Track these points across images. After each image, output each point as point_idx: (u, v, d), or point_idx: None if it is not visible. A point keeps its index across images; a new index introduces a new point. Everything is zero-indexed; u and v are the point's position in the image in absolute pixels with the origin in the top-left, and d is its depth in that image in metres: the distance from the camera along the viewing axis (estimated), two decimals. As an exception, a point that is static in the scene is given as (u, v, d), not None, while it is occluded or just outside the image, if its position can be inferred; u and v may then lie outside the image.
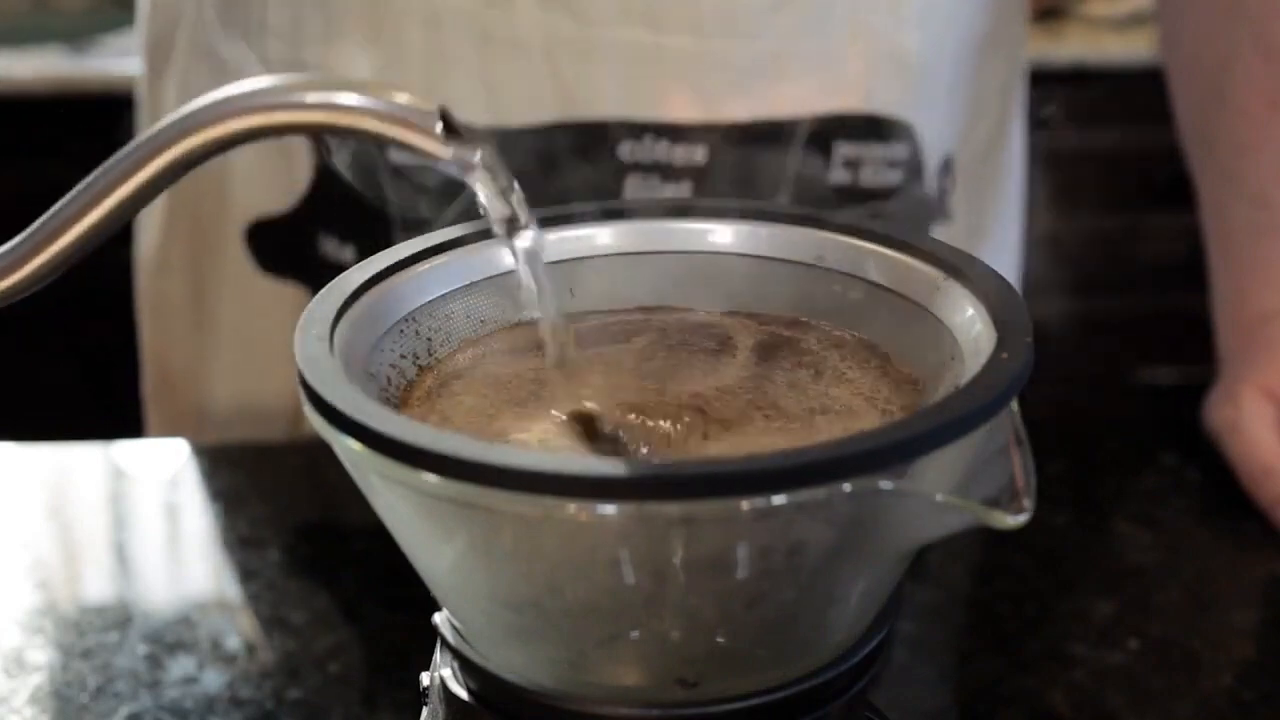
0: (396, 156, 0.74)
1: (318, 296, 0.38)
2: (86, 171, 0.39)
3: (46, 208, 0.40)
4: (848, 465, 0.30)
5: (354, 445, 0.32)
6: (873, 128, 0.77)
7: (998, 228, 0.89)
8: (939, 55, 0.79)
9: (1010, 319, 0.35)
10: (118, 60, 1.75)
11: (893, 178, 0.78)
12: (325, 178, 0.77)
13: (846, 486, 0.30)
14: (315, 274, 0.78)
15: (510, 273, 0.42)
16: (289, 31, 0.76)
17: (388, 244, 0.74)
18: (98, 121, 1.71)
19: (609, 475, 0.30)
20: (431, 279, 0.41)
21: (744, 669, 0.35)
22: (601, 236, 0.44)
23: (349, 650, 0.61)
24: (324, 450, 0.34)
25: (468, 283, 0.42)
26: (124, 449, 0.78)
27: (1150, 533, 0.69)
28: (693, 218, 0.44)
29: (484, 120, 0.74)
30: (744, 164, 0.75)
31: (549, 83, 0.73)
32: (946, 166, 0.83)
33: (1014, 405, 0.33)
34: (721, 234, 0.43)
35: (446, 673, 0.38)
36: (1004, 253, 0.91)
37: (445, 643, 0.37)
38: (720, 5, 0.72)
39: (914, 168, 0.79)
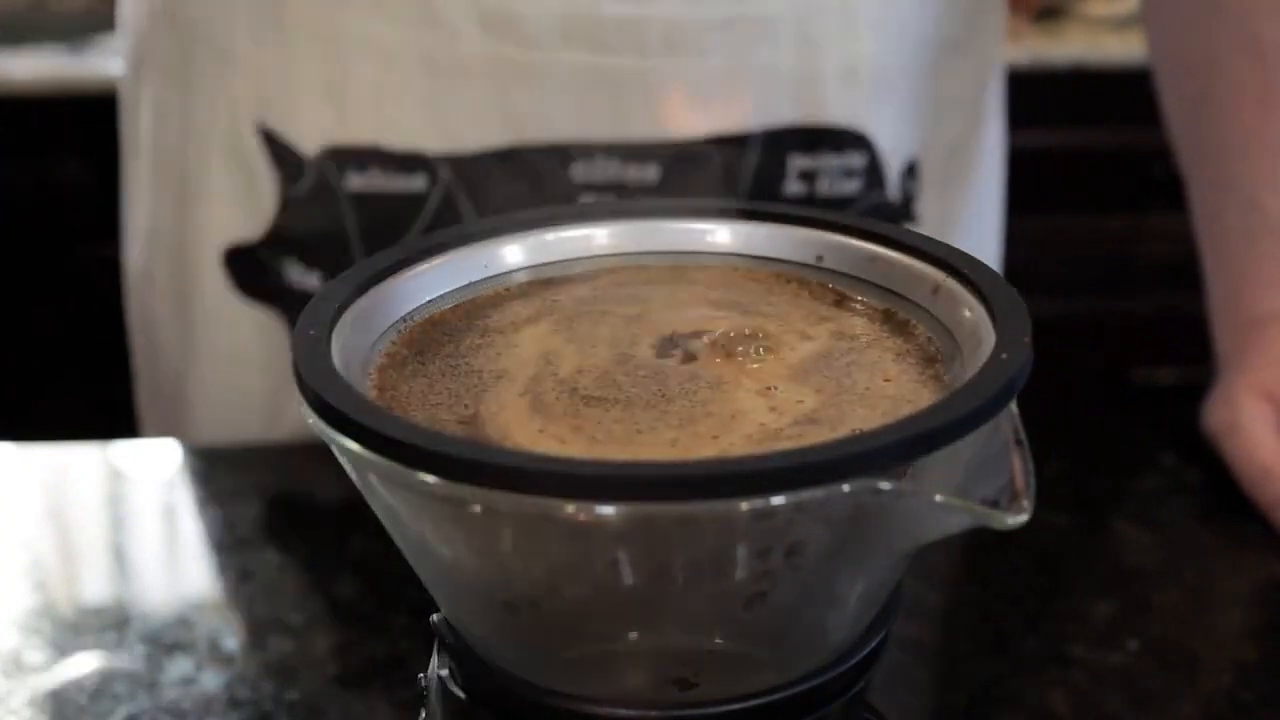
0: (354, 183, 0.74)
1: (317, 296, 0.38)
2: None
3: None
4: (847, 466, 0.30)
5: (352, 446, 0.32)
6: (827, 138, 0.77)
7: (971, 229, 0.88)
8: (896, 62, 0.79)
9: (1010, 319, 0.35)
10: (116, 60, 1.75)
11: (850, 187, 0.78)
12: (288, 207, 0.78)
13: (846, 487, 0.30)
14: (286, 301, 0.80)
15: (510, 272, 0.42)
16: (253, 66, 0.77)
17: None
18: (96, 121, 1.72)
19: (607, 475, 0.30)
20: (430, 279, 0.41)
21: (743, 670, 0.35)
22: (601, 236, 0.43)
23: (347, 651, 0.60)
24: (323, 450, 0.33)
25: (467, 283, 0.42)
26: (122, 449, 0.78)
27: (1150, 533, 0.69)
28: (693, 218, 0.44)
29: (438, 147, 0.75)
30: (697, 180, 0.75)
31: (498, 108, 0.74)
32: (911, 170, 0.82)
33: (1013, 405, 0.33)
34: (721, 234, 0.43)
35: (445, 673, 0.38)
36: (979, 254, 0.91)
37: (443, 643, 0.37)
38: (665, 25, 0.72)
39: (873, 175, 0.79)
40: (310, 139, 0.76)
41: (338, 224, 0.76)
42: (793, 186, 0.77)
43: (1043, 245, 1.87)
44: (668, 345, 0.38)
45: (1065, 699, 0.57)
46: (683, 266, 0.43)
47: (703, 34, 0.73)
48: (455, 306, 0.41)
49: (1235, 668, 0.59)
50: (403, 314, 0.40)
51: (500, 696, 0.36)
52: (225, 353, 0.83)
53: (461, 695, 0.37)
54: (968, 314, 0.37)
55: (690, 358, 0.38)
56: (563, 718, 0.35)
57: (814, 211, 0.43)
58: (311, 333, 0.36)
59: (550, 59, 0.73)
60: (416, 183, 0.75)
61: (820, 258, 0.42)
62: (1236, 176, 0.76)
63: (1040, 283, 1.71)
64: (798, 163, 0.77)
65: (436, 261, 0.41)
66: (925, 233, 0.84)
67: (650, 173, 0.75)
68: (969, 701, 0.58)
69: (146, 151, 0.86)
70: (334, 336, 0.36)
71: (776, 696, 0.35)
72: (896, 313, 0.40)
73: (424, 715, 0.39)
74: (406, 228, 0.75)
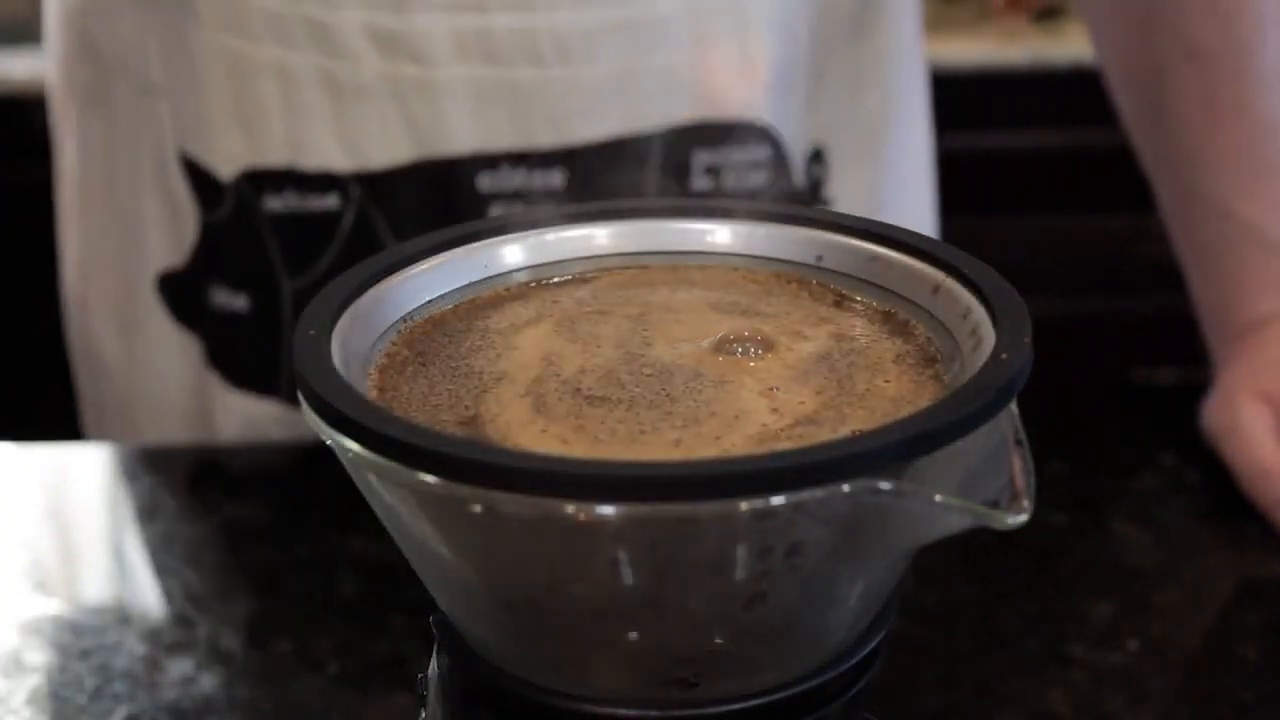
0: (272, 205, 0.75)
1: (317, 297, 0.38)
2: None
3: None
4: (847, 466, 0.30)
5: (352, 446, 0.32)
6: (729, 133, 0.78)
7: (892, 207, 0.88)
8: (795, 51, 0.79)
9: (1010, 319, 0.35)
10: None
11: (757, 179, 0.79)
12: (209, 231, 0.79)
13: (845, 487, 0.30)
14: (209, 326, 0.81)
15: (509, 272, 0.42)
16: (169, 94, 0.78)
17: (276, 289, 0.77)
18: (97, 121, 1.71)
19: (607, 475, 0.30)
20: (430, 279, 0.41)
21: (743, 670, 0.35)
22: (601, 236, 0.43)
23: (347, 650, 0.60)
24: (323, 450, 0.33)
25: (466, 283, 0.42)
26: (122, 450, 0.78)
27: (1149, 533, 0.69)
28: (692, 218, 0.44)
29: (345, 166, 0.76)
30: (602, 183, 0.75)
31: (401, 125, 0.75)
32: (817, 156, 0.83)
33: (1013, 405, 0.33)
34: (721, 234, 0.43)
35: (444, 673, 0.38)
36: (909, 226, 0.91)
37: (443, 643, 0.37)
38: (555, 33, 0.73)
39: (779, 165, 0.80)
40: (227, 164, 0.77)
41: (259, 246, 0.77)
42: (699, 182, 0.78)
43: (1043, 245, 1.87)
44: (669, 346, 0.38)
45: (1065, 699, 0.57)
46: (683, 266, 0.43)
47: (594, 40, 0.74)
48: (455, 307, 0.41)
49: (1235, 668, 0.59)
50: (403, 314, 0.40)
51: (500, 696, 0.36)
52: (164, 379, 0.84)
53: (461, 695, 0.37)
54: (968, 314, 0.37)
55: (692, 358, 0.38)
56: (563, 718, 0.35)
57: (814, 211, 0.43)
58: (311, 333, 0.36)
59: (446, 74, 0.73)
60: (330, 201, 0.76)
61: (820, 258, 0.42)
62: (1203, 186, 0.75)
63: (1040, 283, 1.70)
64: (702, 158, 0.77)
65: (436, 261, 0.41)
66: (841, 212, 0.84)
67: (555, 179, 0.76)
68: (969, 701, 0.58)
69: (72, 180, 0.87)
70: (334, 336, 0.36)
71: (776, 696, 0.35)
72: (896, 313, 0.40)
73: (424, 715, 0.39)
74: (325, 246, 0.77)
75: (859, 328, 0.40)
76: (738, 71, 0.77)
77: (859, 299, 0.41)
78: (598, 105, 0.75)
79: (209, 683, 0.59)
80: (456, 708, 0.37)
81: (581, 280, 0.43)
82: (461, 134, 0.75)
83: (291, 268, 0.77)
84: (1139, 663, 0.59)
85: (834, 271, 0.42)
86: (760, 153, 0.79)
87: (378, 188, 0.75)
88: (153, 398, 0.84)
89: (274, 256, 0.77)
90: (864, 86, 0.85)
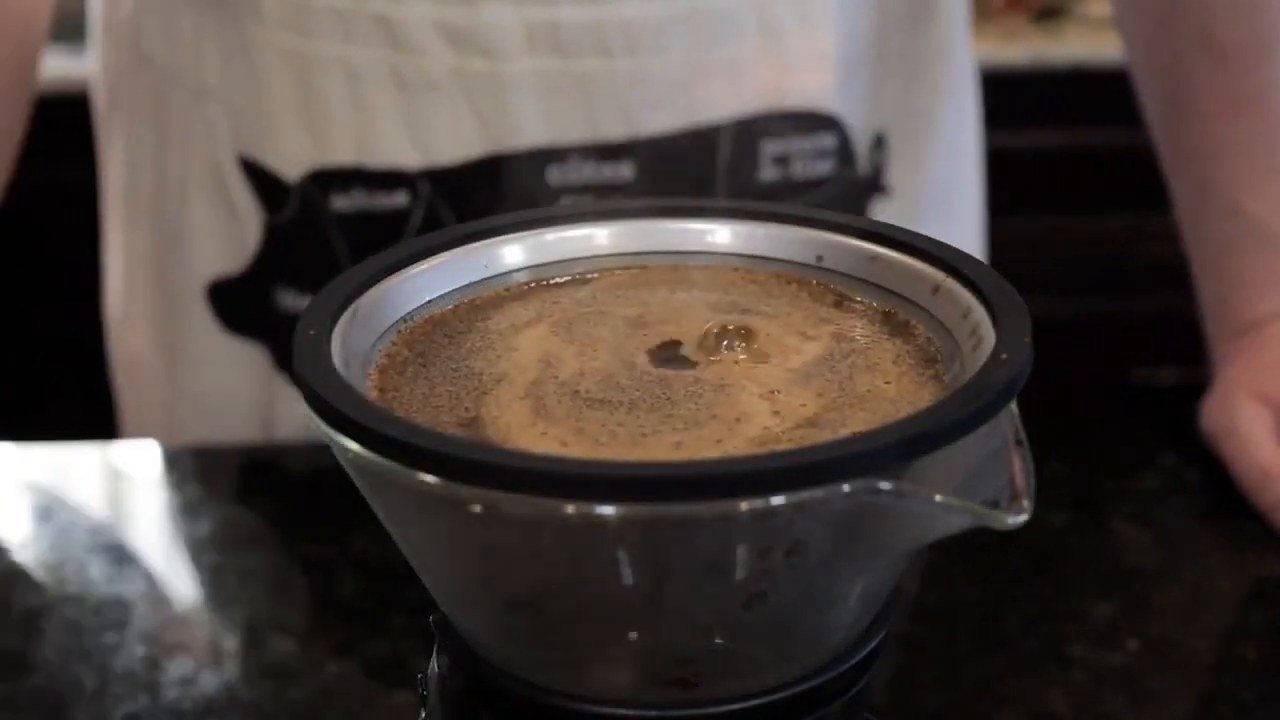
0: (339, 204, 0.75)
1: (316, 297, 0.38)
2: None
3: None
4: (847, 466, 0.30)
5: (352, 446, 0.32)
6: (797, 123, 0.78)
7: (945, 195, 0.89)
8: (858, 41, 0.80)
9: (1010, 319, 0.35)
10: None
11: (824, 167, 0.79)
12: (274, 233, 0.78)
13: (845, 487, 0.30)
14: (275, 330, 0.80)
15: (509, 272, 0.42)
16: (228, 99, 0.78)
17: None
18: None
19: (607, 476, 0.30)
20: (430, 279, 0.41)
21: (743, 670, 0.35)
22: (601, 236, 0.43)
23: (347, 651, 0.60)
24: (323, 450, 0.33)
25: (466, 283, 0.42)
26: (122, 449, 0.78)
27: (1149, 533, 0.69)
28: (692, 218, 0.44)
29: (414, 163, 0.75)
30: (673, 173, 0.76)
31: (471, 119, 0.75)
32: (879, 142, 0.83)
33: (1013, 405, 0.33)
34: (721, 234, 0.43)
35: (444, 673, 0.38)
36: (958, 221, 0.91)
37: (443, 643, 0.37)
38: (624, 25, 0.73)
39: (844, 153, 0.80)
40: (292, 165, 0.77)
41: (326, 246, 0.77)
42: (768, 173, 0.78)
43: (1043, 245, 1.87)
44: (669, 347, 0.38)
45: (1065, 699, 0.57)
46: (682, 267, 0.43)
47: (663, 31, 0.74)
48: (455, 307, 0.41)
49: (1235, 668, 0.59)
50: (403, 314, 0.40)
51: (500, 696, 0.36)
52: (211, 392, 0.83)
53: (461, 695, 0.37)
54: (968, 314, 0.37)
55: (692, 360, 0.38)
56: (563, 718, 0.35)
57: (814, 211, 0.43)
58: (311, 333, 0.36)
59: (516, 67, 0.73)
60: (399, 199, 0.76)
61: (820, 258, 0.42)
62: (1215, 181, 0.76)
63: (1040, 283, 1.71)
64: (770, 149, 0.78)
65: (436, 261, 0.41)
66: (898, 202, 0.85)
67: (625, 170, 0.76)
68: (969, 701, 0.58)
69: (119, 197, 0.87)
70: (334, 336, 0.36)
71: (776, 696, 0.35)
72: (896, 313, 0.40)
73: (424, 715, 0.39)
74: (394, 240, 0.76)
75: (859, 328, 0.40)
76: (804, 61, 0.77)
77: (859, 299, 0.41)
78: (666, 96, 0.75)
79: (209, 683, 0.59)
80: (456, 708, 0.37)
81: (582, 281, 0.43)
82: (530, 127, 0.75)
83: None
84: (1139, 663, 0.59)
85: (834, 271, 0.42)
86: (827, 141, 0.79)
87: (447, 184, 0.75)
88: (201, 407, 0.84)
89: (341, 256, 0.77)
90: (917, 79, 0.85)
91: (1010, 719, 0.57)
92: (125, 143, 0.85)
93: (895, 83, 0.83)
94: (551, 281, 0.43)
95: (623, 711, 0.35)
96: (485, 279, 0.42)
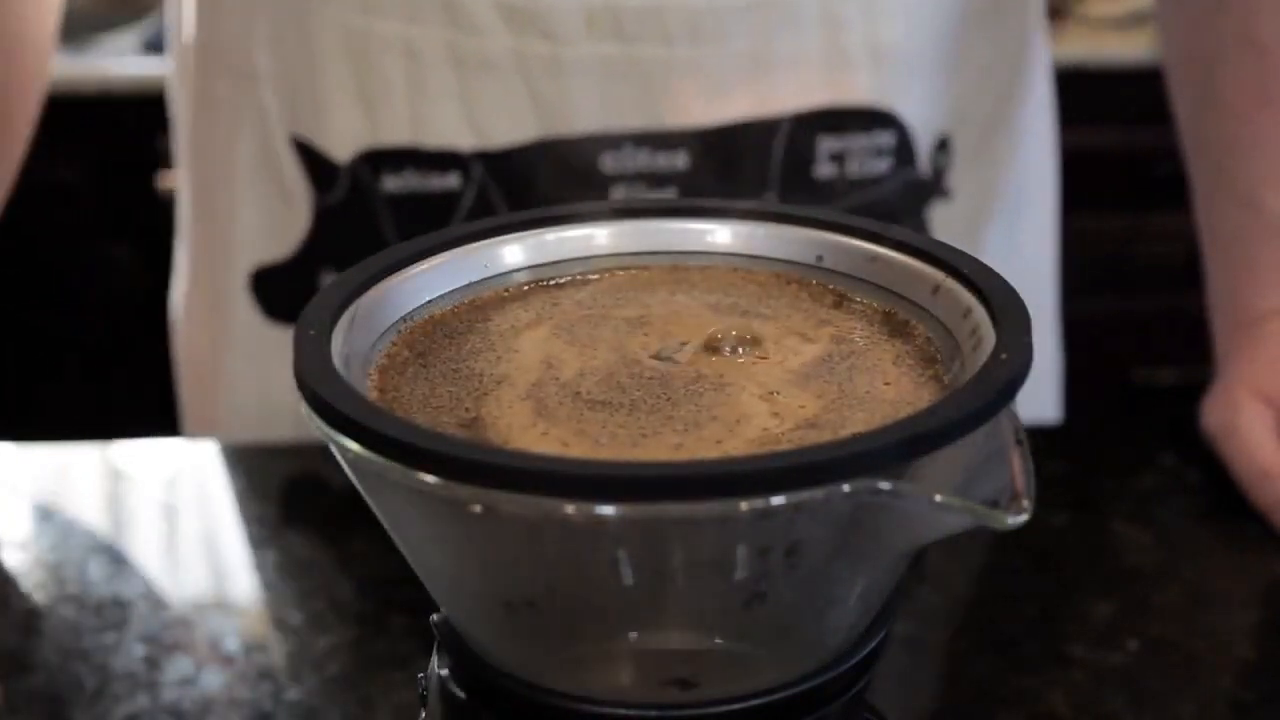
0: (390, 185, 0.75)
1: (316, 297, 0.38)
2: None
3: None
4: (847, 466, 0.30)
5: (352, 446, 0.32)
6: (855, 119, 0.77)
7: (1012, 204, 0.88)
8: (922, 39, 0.79)
9: (1010, 319, 0.35)
10: (117, 60, 1.75)
11: (880, 166, 0.78)
12: (324, 216, 0.78)
13: (845, 487, 0.30)
14: None
15: (510, 272, 0.42)
16: (278, 78, 0.78)
17: None
18: (97, 121, 1.72)
19: (607, 475, 0.30)
20: (430, 279, 0.41)
21: (743, 670, 0.35)
22: (601, 236, 0.43)
23: (347, 651, 0.60)
24: (323, 450, 0.33)
25: (467, 283, 0.42)
26: (122, 449, 0.78)
27: (1150, 533, 0.69)
28: (692, 218, 0.44)
29: (469, 144, 0.75)
30: (727, 165, 0.75)
31: (527, 102, 0.74)
32: (943, 145, 0.82)
33: (1014, 405, 0.33)
34: (721, 234, 0.43)
35: (445, 673, 0.38)
36: (1027, 229, 0.90)
37: (443, 643, 0.37)
38: (687, 12, 0.73)
39: (904, 153, 0.79)
40: (344, 145, 0.76)
41: (374, 229, 0.77)
42: (823, 169, 0.77)
43: (1042, 245, 1.87)
44: (669, 349, 0.38)
45: (1065, 699, 0.57)
46: (683, 267, 0.43)
47: (725, 20, 0.73)
48: (455, 307, 0.41)
49: (1235, 668, 0.59)
50: (403, 314, 0.40)
51: (500, 696, 0.36)
52: (256, 384, 0.83)
53: (461, 695, 0.37)
54: (968, 314, 0.37)
55: (692, 362, 0.38)
56: (563, 718, 0.35)
57: (814, 211, 0.43)
58: (311, 333, 0.36)
59: (575, 51, 0.73)
60: (451, 181, 0.75)
61: (820, 258, 0.42)
62: (1237, 174, 0.76)
63: (1040, 283, 1.70)
64: (827, 145, 0.77)
65: (436, 261, 0.41)
66: (963, 207, 0.84)
67: (680, 160, 0.75)
68: (969, 701, 0.58)
69: (186, 190, 0.86)
70: (334, 336, 0.36)
71: (776, 696, 0.35)
72: (896, 313, 0.40)
73: (424, 715, 0.39)
74: (443, 226, 0.76)
75: (859, 329, 0.40)
76: (866, 57, 0.76)
77: (859, 299, 0.41)
78: (725, 87, 0.74)
79: (209, 683, 0.59)
80: (456, 708, 0.37)
81: (582, 281, 0.43)
82: (587, 113, 0.74)
83: None
84: (1139, 663, 0.59)
85: (834, 271, 0.42)
86: (885, 139, 0.78)
87: (500, 166, 0.75)
88: (246, 400, 0.84)
89: (390, 238, 0.76)
90: (985, 82, 0.84)
91: (1010, 719, 0.57)
92: (186, 131, 0.85)
93: (964, 84, 0.82)
94: (552, 282, 0.43)
95: (623, 711, 0.35)
96: (485, 279, 0.42)
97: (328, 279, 0.78)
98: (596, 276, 0.43)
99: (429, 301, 0.41)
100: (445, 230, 0.42)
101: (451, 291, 0.41)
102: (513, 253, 0.42)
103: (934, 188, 0.82)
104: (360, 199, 0.76)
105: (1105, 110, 1.84)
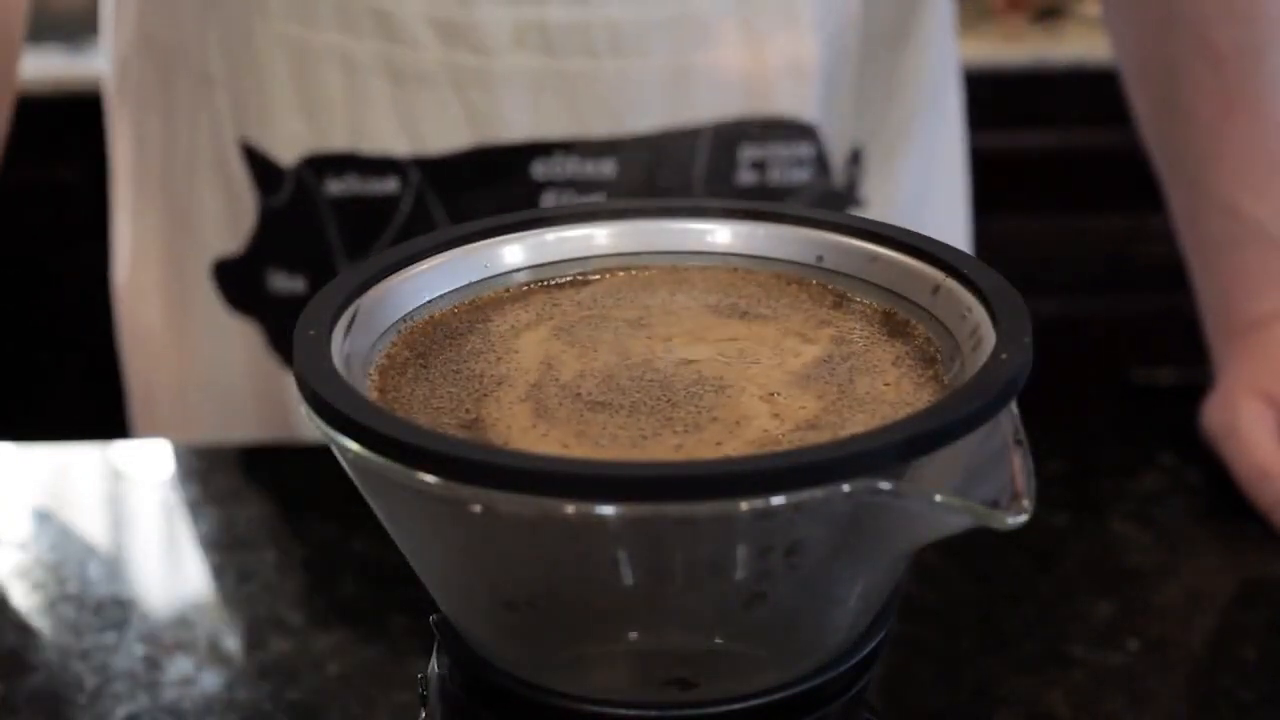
0: (333, 188, 0.78)
1: (316, 296, 0.38)
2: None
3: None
4: (846, 466, 0.30)
5: (352, 446, 0.32)
6: (776, 130, 0.80)
7: (920, 207, 0.90)
8: (841, 56, 0.81)
9: (1010, 319, 0.35)
10: (117, 60, 1.75)
11: (800, 175, 0.81)
12: (269, 216, 0.81)
13: (845, 487, 0.30)
14: (267, 312, 0.83)
15: (510, 272, 0.42)
16: (229, 84, 0.80)
17: (334, 272, 0.78)
18: (96, 121, 1.71)
19: (607, 475, 0.30)
20: (430, 279, 0.41)
21: (742, 670, 0.35)
22: (601, 236, 0.43)
23: (347, 651, 0.60)
24: (322, 450, 0.33)
25: (466, 283, 0.42)
26: (121, 449, 0.78)
27: (1149, 533, 0.69)
28: (692, 218, 0.44)
29: (405, 151, 0.78)
30: (652, 172, 0.78)
31: (460, 112, 0.77)
32: (855, 157, 0.85)
33: (1014, 405, 0.33)
34: (721, 234, 0.43)
35: (444, 673, 0.38)
36: (934, 232, 0.91)
37: (443, 643, 0.37)
38: (609, 26, 0.75)
39: (821, 164, 0.82)
40: (288, 150, 0.79)
41: (318, 230, 0.79)
42: (745, 177, 0.80)
43: (1043, 245, 1.87)
44: (670, 350, 0.38)
45: (1065, 699, 0.57)
46: (682, 267, 0.43)
47: (646, 34, 0.76)
48: (455, 308, 0.41)
49: (1235, 667, 0.59)
50: (403, 314, 0.40)
51: (500, 696, 0.36)
52: (220, 365, 0.85)
53: (461, 695, 0.37)
54: (968, 314, 0.37)
55: (692, 362, 0.38)
56: (563, 718, 0.35)
57: (814, 211, 0.43)
58: (311, 333, 0.36)
59: (504, 63, 0.76)
60: (389, 185, 0.78)
61: (820, 258, 0.42)
62: (1211, 183, 0.76)
63: (1040, 283, 1.71)
64: (748, 153, 0.79)
65: (436, 261, 0.41)
66: (873, 213, 0.86)
67: (607, 168, 0.78)
68: (968, 701, 0.58)
69: (127, 174, 0.89)
70: (334, 336, 0.36)
71: (776, 696, 0.35)
72: (896, 314, 0.40)
73: (424, 715, 0.39)
74: (383, 229, 0.79)
75: (859, 329, 0.40)
76: (786, 70, 0.78)
77: (859, 299, 0.41)
78: (649, 97, 0.77)
79: (209, 683, 0.59)
80: (456, 708, 0.37)
81: (582, 282, 0.43)
82: (517, 122, 0.77)
83: (350, 250, 0.79)
84: (1139, 663, 0.59)
85: (834, 271, 0.42)
86: (804, 150, 0.80)
87: (436, 172, 0.78)
88: (210, 385, 0.86)
89: (333, 239, 0.79)
90: (896, 97, 0.87)
91: (1010, 719, 0.57)
92: (133, 121, 0.87)
93: (875, 100, 0.85)
94: (552, 282, 0.43)
95: (623, 711, 0.35)
96: (485, 279, 0.42)
97: (275, 277, 0.81)
98: (596, 277, 0.43)
99: (429, 302, 0.41)
100: (445, 230, 0.42)
101: (451, 292, 0.41)
102: (513, 253, 0.42)
103: (848, 197, 0.85)
104: (304, 201, 0.79)
105: (1105, 110, 1.84)
